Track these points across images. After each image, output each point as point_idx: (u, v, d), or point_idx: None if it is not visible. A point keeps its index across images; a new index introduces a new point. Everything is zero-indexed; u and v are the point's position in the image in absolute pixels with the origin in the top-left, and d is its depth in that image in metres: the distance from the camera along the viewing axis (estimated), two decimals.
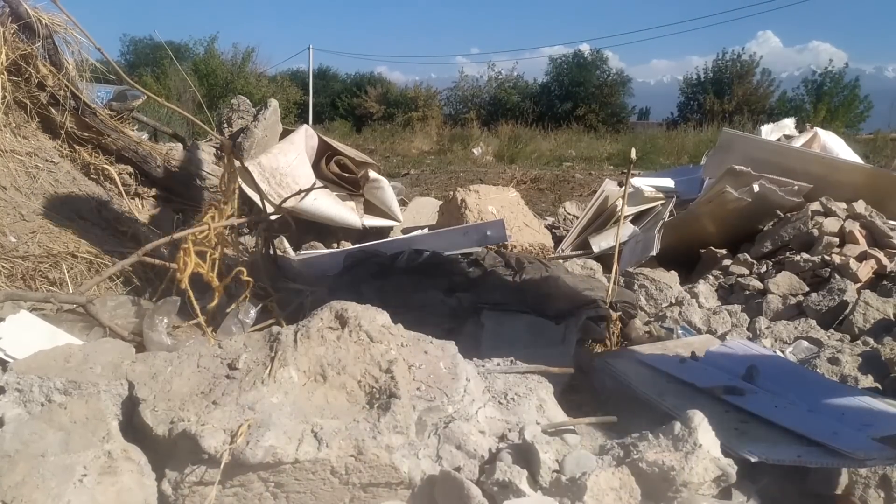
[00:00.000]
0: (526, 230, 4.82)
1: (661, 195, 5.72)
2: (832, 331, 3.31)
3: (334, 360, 1.61)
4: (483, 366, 2.13)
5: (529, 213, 5.19)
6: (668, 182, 5.96)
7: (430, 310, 2.81)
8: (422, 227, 5.49)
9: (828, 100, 28.28)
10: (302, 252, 4.57)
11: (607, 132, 24.52)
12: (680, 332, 3.33)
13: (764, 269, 4.14)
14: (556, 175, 11.94)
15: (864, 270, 3.80)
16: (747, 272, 4.20)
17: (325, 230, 5.06)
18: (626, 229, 5.16)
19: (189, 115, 4.05)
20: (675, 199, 5.52)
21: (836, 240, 4.20)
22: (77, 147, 3.98)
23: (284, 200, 3.52)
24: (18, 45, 3.58)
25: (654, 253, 4.40)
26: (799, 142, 6.04)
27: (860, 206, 4.47)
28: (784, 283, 3.86)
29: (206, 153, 5.58)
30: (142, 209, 4.19)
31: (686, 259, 4.73)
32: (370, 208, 5.48)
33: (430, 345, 1.81)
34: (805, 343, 3.10)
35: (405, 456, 1.50)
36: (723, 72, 30.94)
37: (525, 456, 1.68)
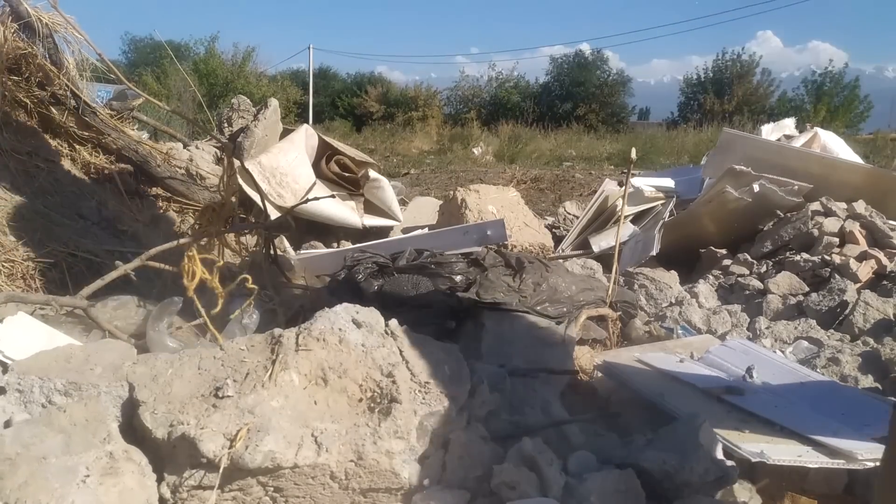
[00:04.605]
0: (526, 230, 4.82)
1: (661, 195, 5.72)
2: (832, 331, 3.31)
3: (335, 364, 1.61)
4: (486, 368, 2.13)
5: (529, 213, 5.18)
6: (668, 182, 5.96)
7: (430, 310, 2.80)
8: (422, 227, 5.48)
9: (828, 100, 28.28)
10: (302, 252, 4.57)
11: (607, 132, 24.54)
12: (680, 332, 3.33)
13: (764, 269, 4.14)
14: (556, 175, 11.95)
15: (864, 270, 3.80)
16: (747, 272, 4.19)
17: (325, 230, 5.05)
18: (626, 229, 5.16)
19: (188, 115, 4.05)
20: (675, 199, 5.51)
21: (836, 240, 4.20)
22: (77, 146, 3.98)
23: (292, 208, 3.52)
24: (19, 44, 3.58)
25: (654, 253, 4.40)
26: (799, 142, 6.03)
27: (860, 206, 4.47)
28: (784, 283, 3.86)
29: (206, 153, 5.58)
30: (142, 209, 4.19)
31: (686, 259, 4.73)
32: (370, 208, 5.48)
33: (433, 347, 1.80)
34: (805, 343, 3.10)
35: (406, 461, 1.50)
36: (723, 72, 30.95)
37: (530, 460, 1.68)
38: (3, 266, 2.81)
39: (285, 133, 5.48)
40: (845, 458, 1.88)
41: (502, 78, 34.53)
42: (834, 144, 6.06)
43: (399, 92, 33.42)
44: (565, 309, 2.91)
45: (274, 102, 5.49)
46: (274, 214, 4.00)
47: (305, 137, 5.24)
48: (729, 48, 32.03)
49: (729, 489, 1.80)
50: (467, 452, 1.67)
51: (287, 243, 4.51)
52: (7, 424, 1.54)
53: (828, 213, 4.46)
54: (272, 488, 1.45)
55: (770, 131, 6.75)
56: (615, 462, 1.78)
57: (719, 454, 1.77)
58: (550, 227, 6.01)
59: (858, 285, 3.68)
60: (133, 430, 1.54)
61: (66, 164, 3.82)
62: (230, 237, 3.10)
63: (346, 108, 33.92)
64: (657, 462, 1.71)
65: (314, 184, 4.70)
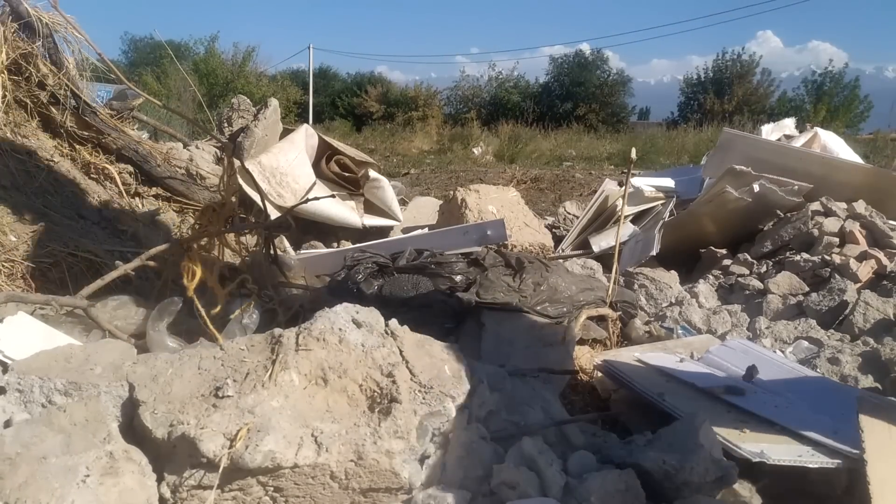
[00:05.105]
0: (526, 230, 4.82)
1: (661, 195, 5.72)
2: (832, 331, 3.31)
3: (336, 364, 1.61)
4: (486, 368, 2.13)
5: (529, 213, 5.19)
6: (668, 182, 5.96)
7: (430, 310, 2.81)
8: (422, 227, 5.48)
9: (828, 100, 28.29)
10: (302, 252, 4.57)
11: (607, 132, 24.56)
12: (680, 332, 3.33)
13: (764, 269, 4.14)
14: (556, 175, 11.97)
15: (864, 270, 3.80)
16: (747, 272, 4.19)
17: (325, 230, 5.05)
18: (626, 229, 5.16)
19: (188, 115, 4.06)
20: (675, 199, 5.51)
21: (836, 240, 4.21)
22: (77, 146, 3.98)
23: (292, 208, 3.52)
24: (19, 44, 3.58)
25: (654, 253, 4.40)
26: (799, 142, 6.03)
27: (860, 206, 4.47)
28: (784, 283, 3.86)
29: (207, 153, 5.58)
30: (142, 208, 4.19)
31: (686, 259, 4.73)
32: (370, 208, 5.48)
33: (434, 347, 1.80)
34: (805, 343, 3.10)
35: (406, 461, 1.49)
36: (723, 72, 30.97)
37: (530, 460, 1.68)
38: (3, 266, 2.81)
39: (285, 133, 5.48)
40: (845, 458, 1.88)
41: (502, 78, 34.56)
42: (834, 144, 6.06)
43: (399, 92, 33.41)
44: (565, 309, 2.91)
45: (274, 102, 5.49)
46: (274, 214, 4.00)
47: (305, 137, 5.24)
48: (729, 48, 32.09)
49: (729, 489, 1.80)
50: (467, 452, 1.67)
51: (287, 243, 4.51)
52: (7, 424, 1.54)
53: (828, 213, 4.46)
54: (272, 488, 1.45)
55: (770, 131, 6.75)
56: (615, 462, 1.78)
57: (720, 455, 1.77)
58: (550, 227, 6.01)
59: (858, 285, 3.68)
60: (133, 429, 1.54)
61: (66, 164, 3.82)
62: (230, 237, 3.10)
63: (346, 108, 33.91)
64: (657, 462, 1.71)
65: (314, 184, 4.71)
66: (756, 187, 4.52)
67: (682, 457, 1.71)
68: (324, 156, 5.46)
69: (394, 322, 1.84)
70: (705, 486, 1.70)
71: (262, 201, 3.61)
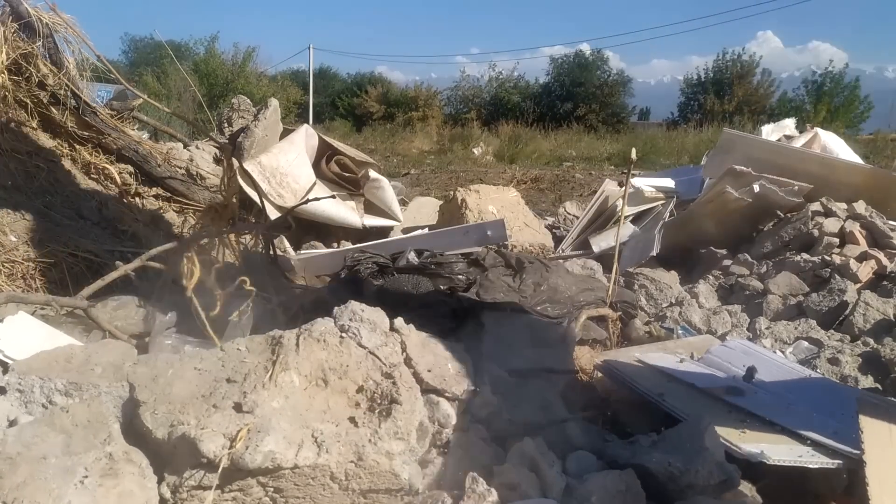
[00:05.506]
0: (526, 230, 4.82)
1: (661, 195, 5.72)
2: (832, 331, 3.31)
3: (336, 365, 1.60)
4: (487, 368, 2.13)
5: (529, 213, 5.19)
6: (668, 182, 5.95)
7: (430, 310, 2.80)
8: (422, 227, 5.48)
9: (828, 100, 28.26)
10: (302, 252, 4.56)
11: (607, 132, 24.57)
12: (680, 332, 3.33)
13: (764, 269, 4.14)
14: (556, 175, 11.98)
15: (865, 271, 3.80)
16: (747, 272, 4.19)
17: (325, 230, 5.05)
18: (627, 229, 5.16)
19: (187, 116, 4.06)
20: (675, 199, 5.51)
21: (837, 240, 4.20)
22: (77, 146, 3.98)
23: (292, 209, 3.52)
24: (19, 44, 3.58)
25: (654, 253, 4.40)
26: (799, 142, 6.03)
27: (860, 207, 4.47)
28: (784, 283, 3.85)
29: (207, 153, 5.58)
30: (142, 208, 4.19)
31: (686, 259, 4.73)
32: (370, 208, 5.47)
33: (438, 346, 1.80)
34: (805, 343, 3.10)
35: (406, 462, 1.49)
36: (723, 72, 30.95)
37: (531, 461, 1.68)
38: (3, 266, 2.81)
39: (285, 133, 5.47)
40: (845, 459, 1.88)
41: (502, 78, 34.56)
42: (834, 145, 6.05)
43: (399, 92, 33.41)
44: (565, 309, 2.91)
45: (274, 102, 5.47)
46: (274, 214, 4.00)
47: (305, 137, 5.24)
48: (729, 48, 32.01)
49: (729, 489, 1.80)
50: (468, 453, 1.67)
51: (287, 243, 4.50)
52: (11, 424, 1.54)
53: (828, 213, 4.46)
54: (272, 489, 1.44)
55: (770, 132, 6.74)
56: (620, 462, 1.78)
57: (723, 458, 1.77)
58: (550, 227, 6.01)
59: (858, 286, 3.68)
60: (134, 430, 1.54)
61: (66, 164, 3.82)
62: (231, 237, 3.10)
63: (346, 108, 33.91)
64: (663, 464, 1.71)
65: (314, 184, 4.70)
66: (756, 187, 4.52)
67: (687, 459, 1.71)
68: (324, 156, 5.45)
69: (399, 321, 1.83)
70: (709, 489, 1.70)
71: (262, 201, 3.61)
